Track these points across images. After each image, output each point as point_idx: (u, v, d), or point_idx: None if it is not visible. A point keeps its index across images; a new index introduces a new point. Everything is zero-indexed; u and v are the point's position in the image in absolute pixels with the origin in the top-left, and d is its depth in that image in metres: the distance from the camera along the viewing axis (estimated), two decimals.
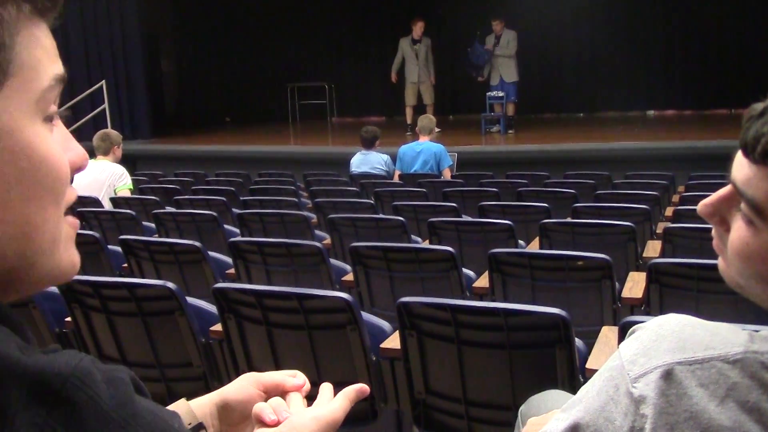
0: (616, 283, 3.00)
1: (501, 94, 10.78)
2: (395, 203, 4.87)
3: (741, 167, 0.81)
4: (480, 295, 3.15)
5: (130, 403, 0.49)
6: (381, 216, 4.43)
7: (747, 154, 0.79)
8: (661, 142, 9.08)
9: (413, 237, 4.22)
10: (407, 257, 3.16)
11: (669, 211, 5.35)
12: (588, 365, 2.13)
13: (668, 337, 0.84)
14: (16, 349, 0.47)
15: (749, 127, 0.79)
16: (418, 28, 10.98)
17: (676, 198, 5.98)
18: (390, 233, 4.10)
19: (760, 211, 0.78)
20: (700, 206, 0.87)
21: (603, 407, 0.86)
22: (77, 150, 0.60)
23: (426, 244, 3.87)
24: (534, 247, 3.96)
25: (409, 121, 11.03)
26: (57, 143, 0.57)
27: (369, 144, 7.39)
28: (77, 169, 0.60)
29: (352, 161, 7.46)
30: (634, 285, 3.07)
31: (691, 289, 2.78)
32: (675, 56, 12.86)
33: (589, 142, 9.30)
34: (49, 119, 0.56)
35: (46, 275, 0.58)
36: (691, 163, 7.87)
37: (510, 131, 10.91)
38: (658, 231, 4.53)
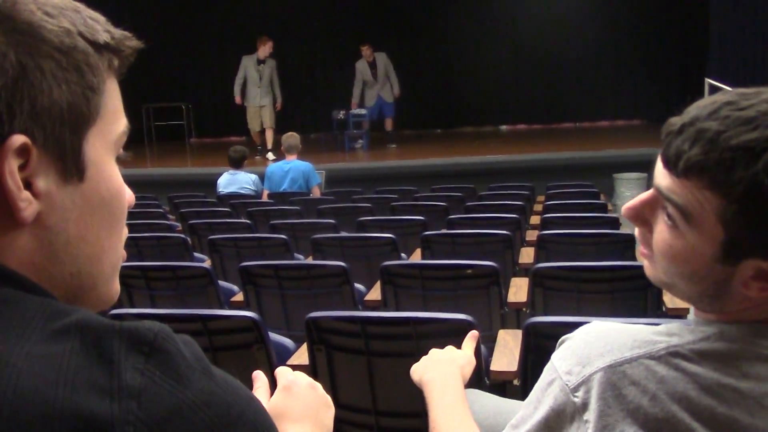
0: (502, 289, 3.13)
1: (363, 111, 10.97)
2: (273, 222, 4.84)
3: (663, 177, 0.87)
4: (372, 308, 3.19)
5: (204, 359, 0.56)
6: (264, 235, 4.38)
7: (669, 167, 0.86)
8: (517, 155, 9.54)
9: (295, 255, 4.21)
10: (299, 274, 3.15)
11: (534, 220, 5.64)
12: (492, 367, 2.21)
13: (596, 343, 0.90)
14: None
15: (669, 142, 0.85)
16: (265, 48, 10.24)
17: (538, 207, 6.30)
18: (273, 252, 4.07)
19: (686, 214, 0.85)
20: (624, 210, 0.94)
21: (547, 420, 0.91)
22: (130, 191, 0.69)
23: (316, 261, 3.87)
24: (416, 258, 4.06)
25: (259, 143, 10.64)
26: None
27: (237, 164, 7.30)
28: (130, 207, 0.69)
29: (219, 181, 7.33)
30: (518, 290, 3.22)
31: (571, 290, 2.95)
32: (523, 73, 13.54)
33: (452, 157, 9.62)
34: (118, 160, 0.66)
35: (98, 300, 0.66)
36: (547, 173, 8.33)
37: (392, 145, 11.26)
38: (528, 239, 4.76)
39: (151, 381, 0.51)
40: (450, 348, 1.37)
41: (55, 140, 0.58)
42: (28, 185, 0.57)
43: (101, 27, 0.63)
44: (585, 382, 0.88)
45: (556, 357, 0.95)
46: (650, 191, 0.91)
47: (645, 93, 12.70)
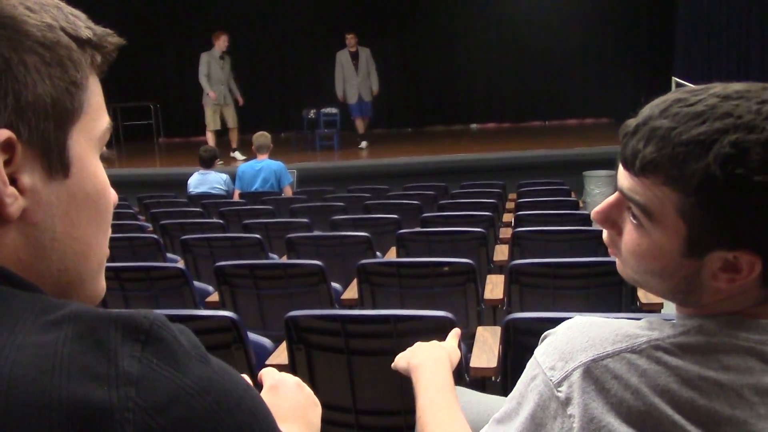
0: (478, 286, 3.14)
1: (335, 111, 10.94)
2: (246, 221, 4.80)
3: (624, 178, 0.90)
4: (349, 306, 3.18)
5: (201, 346, 0.56)
6: (238, 235, 4.35)
7: (627, 168, 0.88)
8: (488, 153, 9.59)
9: (270, 254, 4.18)
10: (275, 274, 3.13)
11: (506, 217, 5.67)
12: (472, 364, 2.22)
13: (578, 338, 0.91)
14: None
15: (626, 143, 0.88)
16: (221, 41, 9.84)
17: (510, 205, 6.33)
18: (246, 251, 4.04)
19: (648, 213, 0.87)
20: (593, 214, 0.97)
21: (533, 415, 0.91)
22: (113, 191, 0.69)
23: (293, 260, 3.85)
24: (391, 256, 4.06)
25: (212, 145, 9.85)
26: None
27: (208, 164, 7.24)
28: (114, 206, 0.69)
29: (189, 181, 7.26)
30: (494, 287, 3.24)
31: (548, 287, 2.97)
32: (493, 72, 13.62)
33: (423, 156, 9.64)
34: (102, 158, 0.67)
35: (85, 297, 0.66)
36: (517, 171, 8.39)
37: (363, 144, 11.04)
38: (501, 236, 4.79)
39: (149, 368, 0.51)
40: (434, 341, 1.40)
41: (40, 136, 0.58)
42: (13, 181, 0.57)
43: (82, 23, 0.63)
44: (568, 376, 0.89)
45: (538, 352, 0.96)
46: (615, 194, 0.93)
47: (613, 91, 12.83)
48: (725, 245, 0.83)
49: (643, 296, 2.99)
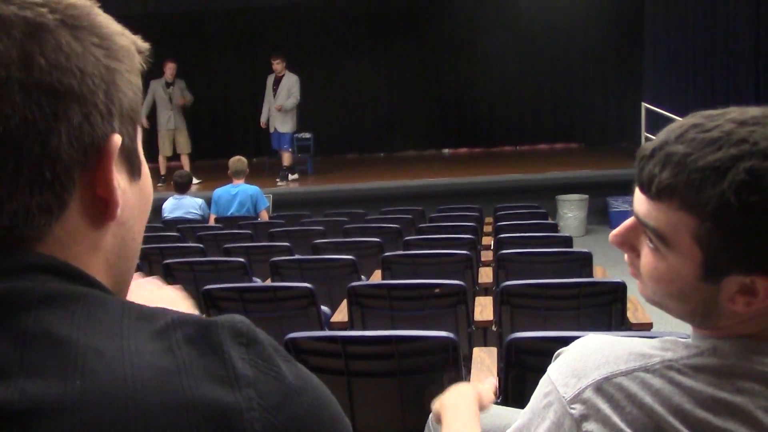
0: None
1: (308, 135, 10.86)
2: (227, 245, 4.76)
3: (640, 202, 0.91)
4: (339, 329, 3.15)
5: (281, 348, 0.58)
6: (221, 258, 4.30)
7: (644, 191, 0.89)
8: (462, 178, 9.64)
9: (253, 278, 4.15)
10: (264, 297, 3.10)
11: (485, 240, 5.70)
12: None
13: (592, 356, 0.92)
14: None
15: (643, 167, 0.89)
16: (169, 70, 9.84)
17: (487, 228, 6.36)
18: (229, 275, 4.00)
19: (663, 239, 0.88)
20: (611, 237, 0.98)
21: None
22: None
23: (282, 283, 3.82)
24: (376, 279, 4.04)
25: (162, 172, 10.11)
26: None
27: (183, 188, 7.18)
28: None
29: (164, 206, 7.18)
30: (483, 308, 3.24)
31: (538, 307, 2.99)
32: (465, 98, 13.74)
33: (396, 180, 9.66)
34: None
35: (124, 296, 0.66)
36: (491, 195, 8.45)
37: (289, 179, 10.14)
38: (483, 259, 4.81)
39: (258, 370, 0.53)
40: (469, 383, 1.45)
41: (129, 139, 0.62)
42: None
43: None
44: (581, 393, 0.90)
45: (552, 369, 0.97)
46: (632, 218, 0.95)
47: (583, 117, 13.04)
48: (741, 270, 0.84)
49: (632, 316, 3.01)
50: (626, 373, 0.88)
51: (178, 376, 0.49)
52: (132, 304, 0.56)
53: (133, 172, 0.63)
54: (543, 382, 0.97)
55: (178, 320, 0.54)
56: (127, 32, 0.64)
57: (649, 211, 0.88)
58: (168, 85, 10.02)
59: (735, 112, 0.86)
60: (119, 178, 0.59)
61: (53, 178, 0.54)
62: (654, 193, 0.86)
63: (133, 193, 0.63)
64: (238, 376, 0.51)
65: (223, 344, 0.53)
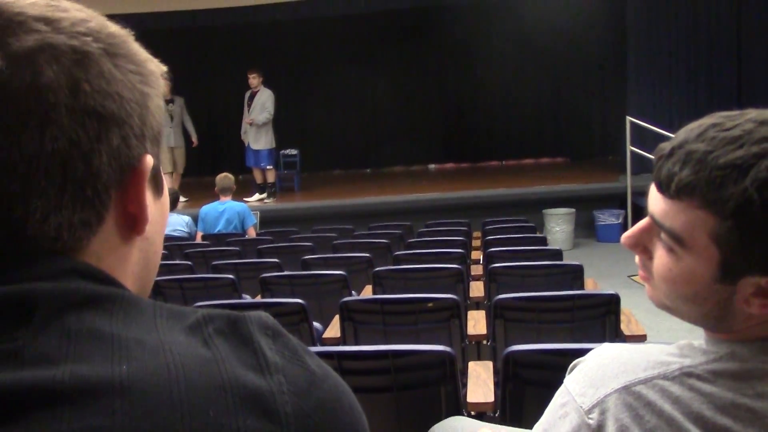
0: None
1: (294, 152, 10.85)
2: (216, 262, 4.72)
3: (657, 202, 0.90)
4: (331, 345, 3.13)
5: (302, 342, 0.62)
6: (209, 275, 4.26)
7: (662, 190, 0.88)
8: (449, 193, 9.65)
9: (243, 295, 4.11)
10: None
11: (474, 255, 5.69)
12: (469, 399, 2.19)
13: (609, 365, 0.91)
14: None
15: (661, 166, 0.88)
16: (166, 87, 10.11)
17: (476, 243, 6.36)
18: (218, 292, 3.96)
19: (679, 240, 0.87)
20: (623, 238, 0.96)
21: None
22: None
23: (273, 299, 3.79)
24: (367, 294, 4.02)
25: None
26: None
27: (170, 206, 7.13)
28: None
29: None
30: (476, 322, 3.23)
31: (532, 320, 2.98)
32: (450, 113, 13.80)
33: (385, 196, 9.66)
34: None
35: None
36: (478, 210, 8.47)
37: (269, 200, 10.01)
38: (473, 273, 4.80)
39: (285, 359, 0.56)
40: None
41: (156, 159, 0.66)
42: None
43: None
44: (599, 403, 0.88)
45: (568, 380, 0.95)
46: (646, 219, 0.93)
47: (568, 131, 13.11)
48: (758, 270, 0.83)
49: (626, 328, 3.01)
50: (645, 381, 0.87)
51: (215, 363, 0.53)
52: (162, 304, 0.60)
53: (157, 190, 0.67)
54: (560, 393, 0.96)
55: (208, 316, 0.58)
56: (153, 59, 0.67)
57: (666, 210, 0.87)
58: (167, 102, 9.94)
59: (754, 113, 0.86)
60: (149, 196, 0.64)
61: (94, 195, 0.58)
62: (673, 192, 0.86)
63: (156, 210, 0.66)
64: (269, 363, 0.55)
65: (253, 335, 0.57)
